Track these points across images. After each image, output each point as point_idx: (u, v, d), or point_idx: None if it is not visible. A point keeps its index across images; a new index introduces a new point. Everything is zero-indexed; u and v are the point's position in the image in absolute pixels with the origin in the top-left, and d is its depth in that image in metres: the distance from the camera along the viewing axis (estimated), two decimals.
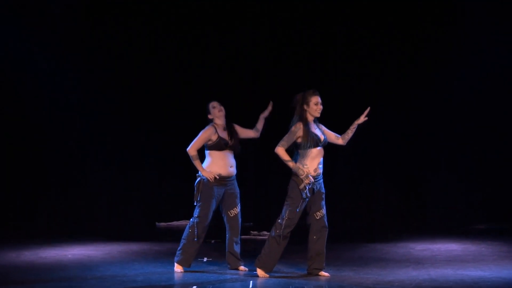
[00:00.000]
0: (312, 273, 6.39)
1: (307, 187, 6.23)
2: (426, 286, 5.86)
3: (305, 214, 6.45)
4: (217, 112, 6.76)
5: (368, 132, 10.30)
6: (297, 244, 7.66)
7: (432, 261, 7.27)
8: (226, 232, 6.80)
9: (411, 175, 10.66)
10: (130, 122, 10.50)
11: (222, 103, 6.84)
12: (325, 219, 6.40)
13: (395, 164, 10.66)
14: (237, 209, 6.77)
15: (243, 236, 8.84)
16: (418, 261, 7.24)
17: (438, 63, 10.16)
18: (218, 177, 6.61)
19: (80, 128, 10.41)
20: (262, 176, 10.64)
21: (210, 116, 6.80)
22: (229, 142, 6.70)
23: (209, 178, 6.58)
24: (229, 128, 6.79)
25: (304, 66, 10.24)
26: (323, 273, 6.39)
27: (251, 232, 10.07)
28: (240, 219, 6.80)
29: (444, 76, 10.16)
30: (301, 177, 6.23)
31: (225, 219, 6.80)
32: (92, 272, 6.61)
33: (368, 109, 6.49)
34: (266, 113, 6.95)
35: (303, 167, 6.25)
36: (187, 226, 6.69)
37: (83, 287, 5.92)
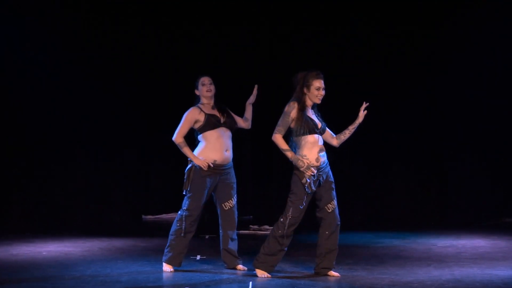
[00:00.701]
0: (320, 272, 6.39)
1: (311, 180, 6.20)
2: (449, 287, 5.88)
3: (314, 207, 6.44)
4: (204, 91, 6.70)
5: (386, 115, 10.39)
6: (302, 239, 7.66)
7: (457, 259, 7.28)
8: (220, 228, 6.78)
9: (432, 162, 10.68)
10: (113, 107, 10.54)
11: (214, 81, 6.77)
12: (337, 212, 6.39)
13: (415, 150, 10.67)
14: (233, 202, 6.74)
15: (241, 231, 8.87)
16: (441, 259, 7.25)
17: (460, 43, 10.34)
18: (212, 165, 6.57)
19: (58, 113, 10.42)
20: (262, 163, 10.64)
21: (197, 92, 6.76)
22: (221, 118, 6.66)
23: (202, 167, 6.55)
24: (218, 106, 6.74)
25: (306, 54, 10.35)
26: (332, 273, 6.39)
27: (251, 226, 10.08)
28: (236, 212, 6.78)
29: (466, 57, 10.36)
30: (302, 169, 6.20)
31: (219, 212, 6.78)
32: (70, 272, 6.62)
33: (365, 104, 6.44)
34: (252, 99, 6.88)
35: (303, 158, 6.23)
36: (175, 220, 6.67)
37: None
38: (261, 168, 10.66)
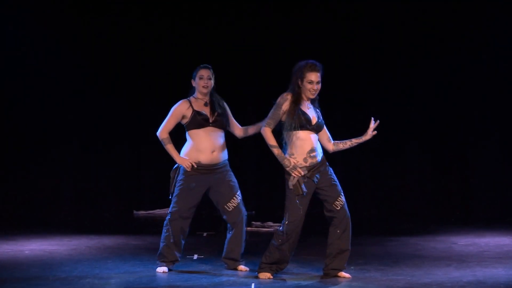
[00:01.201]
0: (330, 274, 6.39)
1: (300, 181, 6.17)
2: None
3: (318, 205, 6.43)
4: (200, 86, 6.63)
5: (402, 99, 10.41)
6: (309, 237, 7.65)
7: (479, 258, 7.28)
8: (228, 231, 6.73)
9: (453, 151, 10.67)
10: (103, 101, 10.60)
11: (214, 73, 6.68)
12: (347, 207, 6.38)
13: (434, 138, 10.67)
14: (237, 200, 6.68)
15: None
16: (462, 259, 7.25)
17: (485, 29, 10.38)
18: (196, 166, 6.54)
19: (46, 108, 10.47)
20: (264, 155, 10.64)
21: (193, 83, 6.71)
22: (210, 117, 6.60)
23: (185, 167, 6.54)
24: (213, 103, 6.66)
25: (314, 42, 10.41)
26: (343, 274, 6.39)
27: (253, 223, 10.08)
28: (244, 211, 6.72)
29: (491, 36, 10.40)
30: (287, 169, 6.18)
31: (224, 216, 6.73)
32: (55, 272, 6.62)
33: (374, 122, 6.39)
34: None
35: (290, 157, 6.21)
36: (164, 225, 6.66)
37: None
38: (264, 162, 10.67)
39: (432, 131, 10.67)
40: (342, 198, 6.36)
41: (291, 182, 6.19)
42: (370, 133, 6.43)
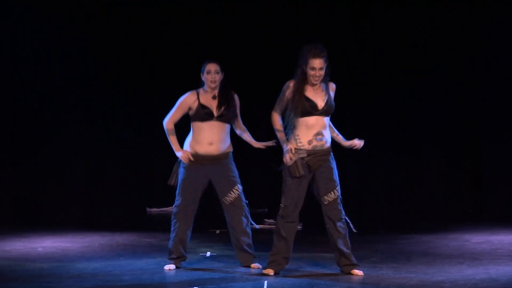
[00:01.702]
0: (344, 271, 6.39)
1: (298, 162, 6.15)
2: (484, 287, 5.86)
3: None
4: (209, 81, 6.64)
5: (414, 95, 10.38)
6: (321, 234, 7.66)
7: (492, 256, 7.27)
8: (228, 226, 6.76)
9: (465, 147, 10.65)
10: (115, 95, 10.60)
11: (222, 68, 6.68)
12: (338, 204, 6.32)
13: (447, 135, 10.64)
14: (234, 194, 6.66)
15: (256, 226, 8.84)
16: (475, 257, 7.24)
17: (493, 23, 10.36)
18: (192, 158, 6.56)
19: (51, 91, 10.46)
20: (276, 150, 10.65)
21: (202, 78, 6.74)
22: (216, 112, 6.62)
23: (182, 159, 6.58)
24: (221, 97, 6.66)
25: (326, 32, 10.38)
26: (355, 271, 6.38)
27: (266, 220, 10.07)
28: (242, 203, 6.72)
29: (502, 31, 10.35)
30: (284, 151, 6.18)
31: (224, 211, 6.78)
32: (68, 269, 6.65)
33: (357, 142, 6.36)
34: (258, 145, 6.84)
35: (295, 138, 6.21)
36: (171, 220, 6.68)
37: None
38: (274, 155, 10.67)
39: (445, 128, 10.64)
40: (333, 194, 6.28)
41: (288, 162, 6.16)
42: (348, 144, 6.37)
